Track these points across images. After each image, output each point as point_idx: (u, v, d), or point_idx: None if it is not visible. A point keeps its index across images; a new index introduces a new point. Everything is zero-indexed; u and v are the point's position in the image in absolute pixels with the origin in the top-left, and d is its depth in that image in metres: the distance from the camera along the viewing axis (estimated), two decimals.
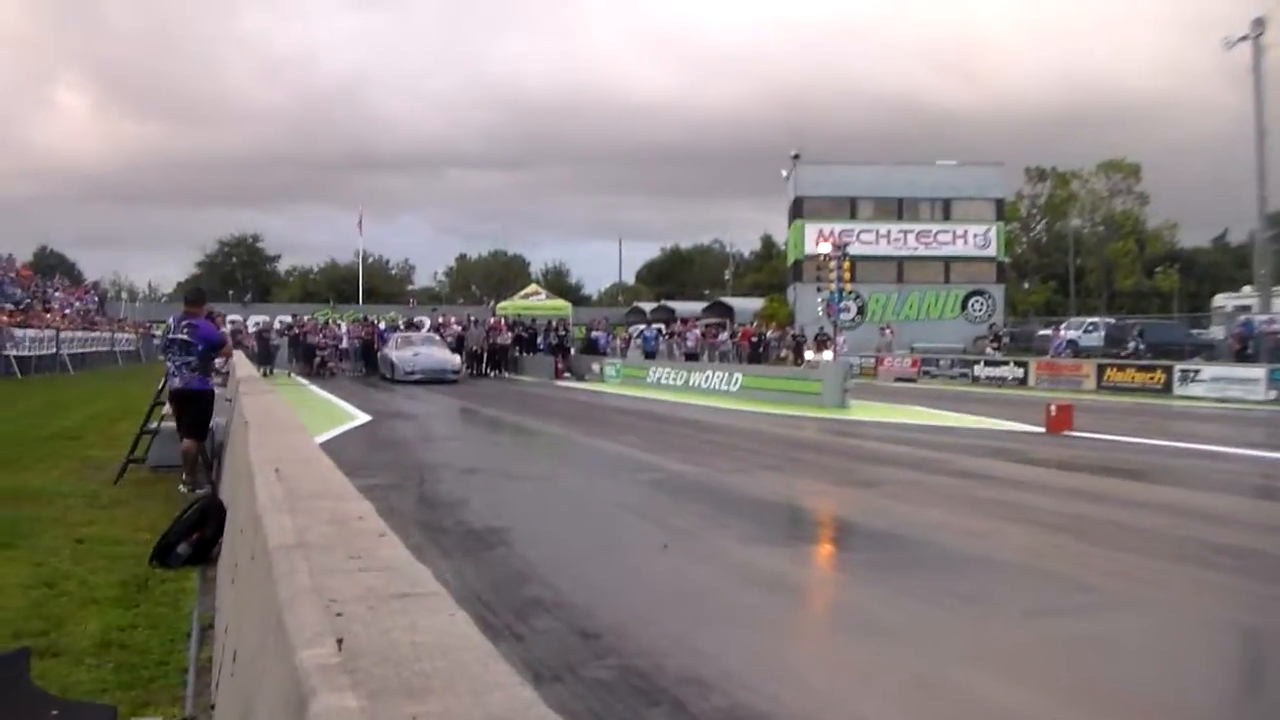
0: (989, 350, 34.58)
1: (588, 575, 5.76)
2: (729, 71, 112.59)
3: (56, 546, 5.96)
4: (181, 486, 7.97)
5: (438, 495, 8.49)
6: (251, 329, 34.92)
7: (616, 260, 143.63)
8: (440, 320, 37.05)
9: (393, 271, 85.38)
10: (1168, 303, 52.51)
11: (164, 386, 8.90)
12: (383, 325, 35.14)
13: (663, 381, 25.62)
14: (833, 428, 15.73)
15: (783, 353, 34.02)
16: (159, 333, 31.32)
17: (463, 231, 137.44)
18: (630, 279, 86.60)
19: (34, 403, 17.50)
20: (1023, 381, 28.35)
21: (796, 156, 46.09)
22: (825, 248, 23.00)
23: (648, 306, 58.71)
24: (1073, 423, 14.28)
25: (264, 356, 27.79)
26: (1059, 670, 4.17)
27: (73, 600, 4.82)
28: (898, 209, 45.32)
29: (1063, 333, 34.08)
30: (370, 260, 71.04)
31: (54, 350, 28.18)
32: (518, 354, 32.58)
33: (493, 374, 31.02)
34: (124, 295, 69.27)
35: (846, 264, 22.72)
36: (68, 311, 35.99)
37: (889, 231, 44.87)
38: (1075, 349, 32.17)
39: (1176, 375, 24.41)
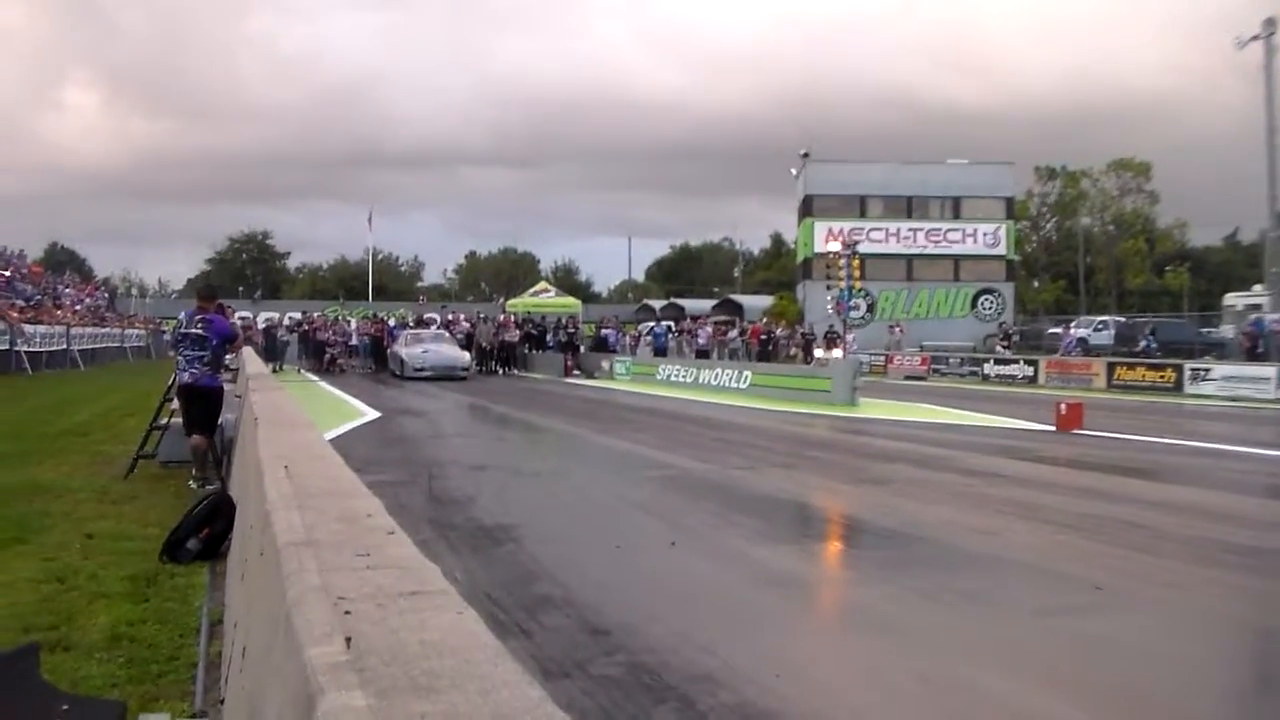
0: (999, 348, 34.50)
1: (596, 572, 5.75)
2: (738, 69, 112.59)
3: (67, 541, 5.99)
4: (191, 482, 8.00)
5: (447, 492, 8.49)
6: (261, 325, 35.01)
7: (626, 258, 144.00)
8: (450, 317, 37.05)
9: (402, 269, 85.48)
10: (1178, 301, 52.22)
11: (174, 382, 8.94)
12: (392, 322, 35.27)
13: (672, 379, 25.62)
14: (842, 425, 15.69)
15: (792, 350, 33.95)
16: (169, 329, 31.52)
17: (472, 229, 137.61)
18: (640, 276, 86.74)
19: (45, 398, 17.61)
20: (1033, 380, 28.27)
21: (806, 155, 46.10)
22: (835, 246, 22.92)
23: (657, 304, 58.61)
24: (1083, 421, 14.24)
25: (271, 353, 27.84)
26: (1068, 669, 4.15)
27: (83, 595, 4.83)
28: (907, 207, 45.29)
29: (1073, 331, 33.98)
30: (380, 257, 71.30)
31: (64, 346, 28.29)
32: (527, 351, 32.61)
33: (502, 371, 31.04)
34: (134, 291, 69.73)
35: (856, 262, 22.62)
36: (78, 308, 36.16)
37: (899, 230, 44.83)
38: (1085, 347, 32.06)
39: (1187, 374, 24.32)
